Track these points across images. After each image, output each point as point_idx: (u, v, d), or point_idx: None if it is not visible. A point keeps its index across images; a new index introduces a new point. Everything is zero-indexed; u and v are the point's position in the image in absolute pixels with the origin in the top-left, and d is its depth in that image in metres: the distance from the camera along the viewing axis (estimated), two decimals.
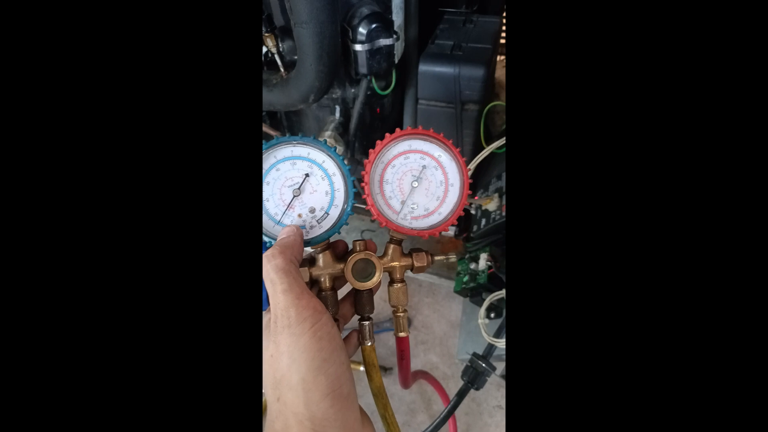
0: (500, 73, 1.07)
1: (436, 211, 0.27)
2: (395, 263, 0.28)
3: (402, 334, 0.30)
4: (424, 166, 0.26)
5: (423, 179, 0.26)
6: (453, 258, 0.30)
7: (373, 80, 0.59)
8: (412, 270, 0.29)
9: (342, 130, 0.65)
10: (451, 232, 0.73)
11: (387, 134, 0.26)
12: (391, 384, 0.63)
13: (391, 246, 0.28)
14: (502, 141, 0.53)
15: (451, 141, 0.26)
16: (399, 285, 0.28)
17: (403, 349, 0.31)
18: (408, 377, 0.37)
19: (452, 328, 0.72)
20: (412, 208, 0.27)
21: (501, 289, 0.49)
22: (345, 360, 0.22)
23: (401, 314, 0.30)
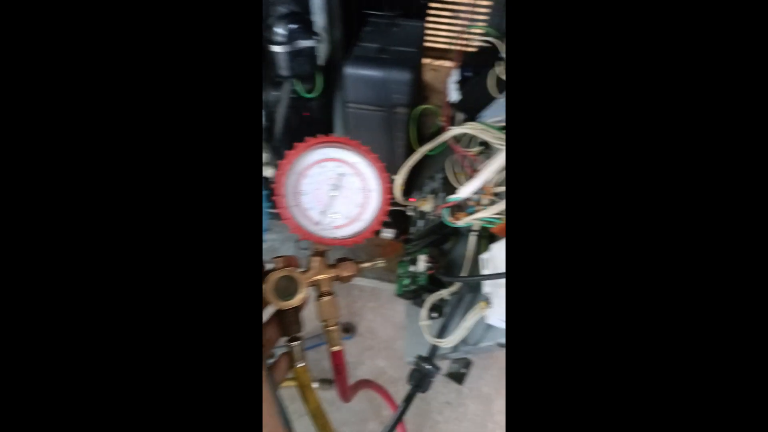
0: (429, 76, 1.10)
1: (358, 218, 0.26)
2: (320, 276, 0.26)
3: (335, 349, 0.28)
4: (341, 174, 0.25)
5: (341, 187, 0.25)
6: (381, 263, 0.29)
7: (297, 83, 0.57)
8: (340, 280, 0.27)
9: (267, 135, 0.62)
10: (390, 234, 0.73)
11: (296, 144, 0.24)
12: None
13: (314, 258, 0.26)
14: (435, 143, 0.53)
15: (367, 147, 0.25)
16: (327, 298, 0.27)
17: (338, 363, 0.30)
18: (347, 391, 0.36)
19: (397, 331, 0.72)
20: (333, 217, 0.25)
21: (441, 290, 0.50)
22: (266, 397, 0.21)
23: (332, 328, 0.28)
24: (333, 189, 0.24)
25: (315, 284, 0.26)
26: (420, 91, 0.90)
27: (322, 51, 0.60)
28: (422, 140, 0.74)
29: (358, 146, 0.25)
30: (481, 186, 0.41)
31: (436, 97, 1.06)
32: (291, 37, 0.51)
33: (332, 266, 0.26)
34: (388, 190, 0.26)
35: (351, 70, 0.58)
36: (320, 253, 0.26)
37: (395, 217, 0.72)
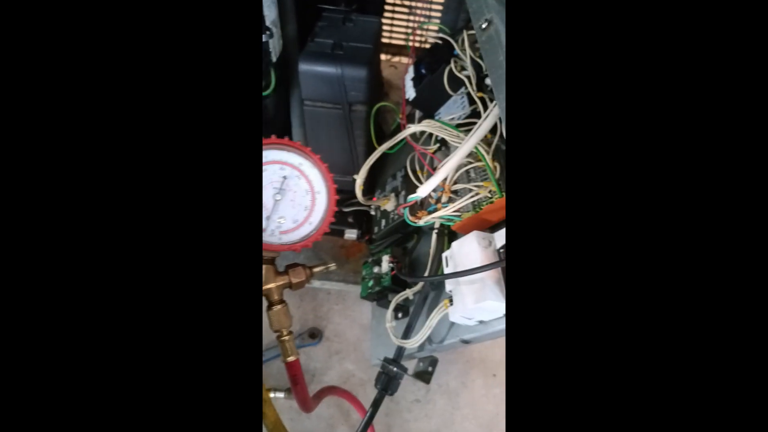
0: (388, 72, 1.09)
1: (306, 221, 0.24)
2: (270, 285, 0.25)
3: (291, 359, 0.27)
4: (285, 177, 0.23)
5: (286, 190, 0.23)
6: (333, 267, 0.28)
7: None
8: (291, 287, 0.26)
9: None
10: (353, 235, 0.71)
11: None
12: None
13: (263, 267, 0.25)
14: (393, 141, 0.53)
15: (309, 148, 0.24)
16: (278, 307, 0.26)
17: (294, 373, 0.29)
18: (307, 401, 0.34)
19: (365, 332, 0.71)
20: (280, 222, 0.24)
21: (405, 290, 0.49)
22: None
23: (286, 338, 0.27)
24: (277, 193, 0.22)
25: (266, 294, 0.24)
26: (379, 87, 0.89)
27: (275, 46, 0.58)
28: (382, 138, 0.74)
29: (300, 147, 0.24)
30: (440, 184, 0.41)
31: (395, 93, 1.06)
32: None
33: (282, 273, 0.25)
34: (335, 190, 0.25)
35: (305, 67, 0.56)
36: (269, 261, 0.24)
37: (358, 217, 0.71)
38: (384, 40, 1.05)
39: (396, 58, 1.14)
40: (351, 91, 0.57)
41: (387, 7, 0.95)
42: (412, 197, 0.41)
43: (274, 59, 0.58)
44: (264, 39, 0.52)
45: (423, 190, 0.40)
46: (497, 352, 0.74)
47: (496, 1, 0.38)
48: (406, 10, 1.02)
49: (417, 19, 1.01)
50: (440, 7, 0.94)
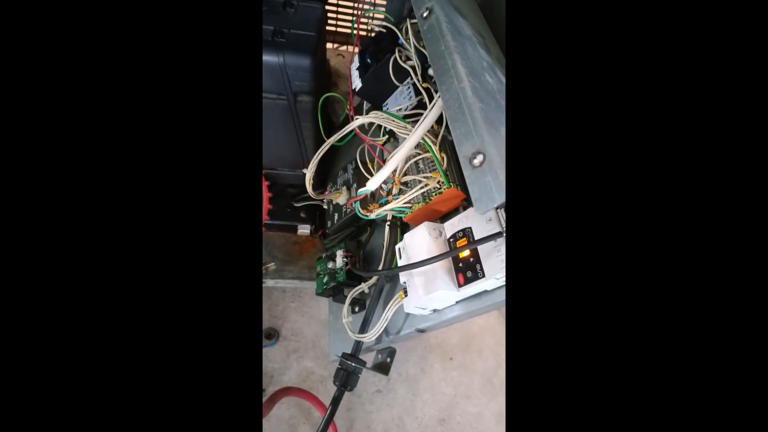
0: (335, 61, 1.07)
1: None
2: None
3: None
4: None
5: None
6: (272, 267, 0.27)
7: None
8: None
9: None
10: (306, 230, 0.70)
11: None
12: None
13: None
14: (342, 133, 0.51)
15: None
16: None
17: None
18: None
19: (323, 328, 0.70)
20: None
21: (360, 284, 0.49)
22: None
23: None
24: None
25: None
26: (326, 77, 0.86)
27: None
28: (332, 129, 0.72)
29: None
30: (390, 176, 0.41)
31: (343, 83, 1.04)
32: None
33: None
34: (267, 187, 0.24)
35: None
36: None
37: (310, 211, 0.70)
38: (330, 29, 1.02)
39: (343, 47, 1.11)
40: (295, 81, 0.55)
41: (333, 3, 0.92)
42: (363, 190, 0.41)
43: None
44: None
45: (372, 183, 0.39)
46: (453, 335, 0.77)
47: None
48: (350, 5, 0.99)
49: (362, 6, 0.99)
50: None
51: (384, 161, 0.49)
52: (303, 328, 0.70)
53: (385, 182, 0.42)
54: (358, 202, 0.44)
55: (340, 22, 1.05)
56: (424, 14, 0.35)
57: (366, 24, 0.81)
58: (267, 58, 0.52)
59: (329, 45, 1.08)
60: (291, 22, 0.58)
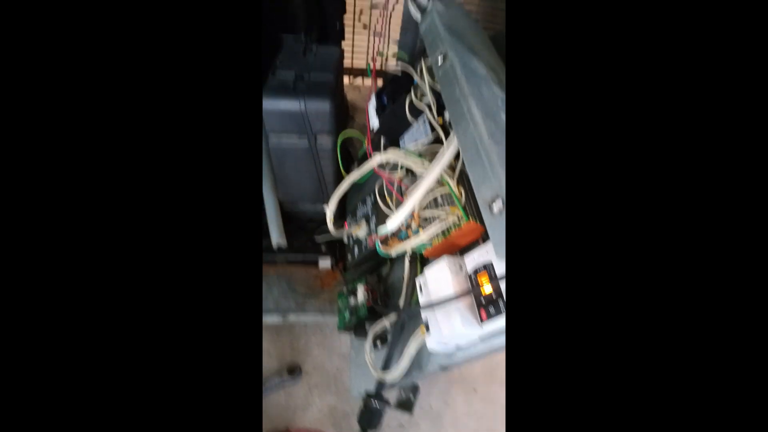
0: (352, 95, 1.11)
1: None
2: None
3: None
4: None
5: None
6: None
7: None
8: None
9: None
10: (327, 264, 0.71)
11: None
12: None
13: None
14: (361, 172, 0.52)
15: None
16: None
17: None
18: None
19: (345, 361, 0.70)
20: None
21: (381, 320, 0.49)
22: None
23: None
24: None
25: None
26: (344, 112, 0.90)
27: None
28: (350, 162, 0.74)
29: None
30: (409, 214, 0.41)
31: (360, 115, 1.07)
32: None
33: None
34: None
35: (269, 103, 0.56)
36: None
37: (331, 245, 0.71)
38: (346, 63, 1.07)
39: (359, 80, 1.16)
40: (315, 123, 0.58)
41: (347, 31, 0.97)
42: (383, 230, 0.42)
43: None
44: None
45: (392, 224, 0.40)
46: (476, 365, 0.75)
47: (448, 35, 0.40)
48: (365, 33, 1.04)
49: (377, 40, 1.03)
50: (398, 30, 0.97)
51: (402, 196, 0.50)
52: (325, 362, 0.69)
53: (404, 220, 0.43)
54: (378, 240, 0.45)
55: (355, 57, 1.09)
56: (440, 61, 0.37)
57: (381, 58, 0.85)
58: (289, 104, 0.55)
59: (346, 79, 1.13)
60: (311, 66, 0.61)
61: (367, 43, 1.07)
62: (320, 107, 0.56)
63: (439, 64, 0.37)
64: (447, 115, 0.40)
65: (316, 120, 0.57)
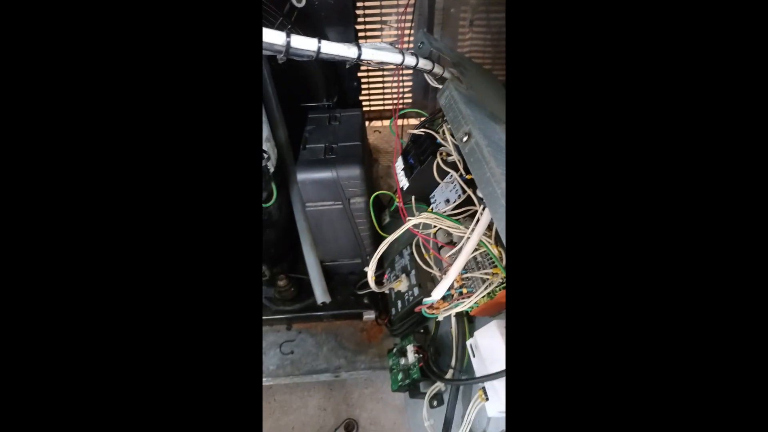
0: (373, 138, 1.15)
1: None
2: None
3: None
4: None
5: None
6: None
7: None
8: None
9: None
10: (372, 316, 0.72)
11: None
12: None
13: None
14: (397, 234, 0.54)
15: None
16: None
17: None
18: None
19: (400, 415, 0.70)
20: None
21: (436, 382, 0.49)
22: None
23: None
24: None
25: None
26: (368, 157, 0.93)
27: (271, 159, 0.62)
28: (382, 210, 0.76)
29: None
30: (452, 282, 0.43)
31: (384, 157, 1.10)
32: None
33: None
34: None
35: (303, 176, 0.59)
36: None
37: (373, 297, 0.72)
38: (364, 108, 1.11)
39: (378, 123, 1.20)
40: (348, 188, 0.61)
41: (363, 81, 1.02)
42: (427, 301, 0.43)
43: (272, 170, 0.61)
44: (262, 164, 0.55)
45: (436, 294, 0.41)
46: None
47: (470, 112, 0.41)
48: (379, 80, 1.08)
49: (391, 86, 1.07)
50: (410, 84, 1.01)
51: (439, 252, 0.51)
52: (380, 416, 0.70)
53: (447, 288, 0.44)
54: (424, 307, 0.46)
55: (372, 101, 1.14)
56: (464, 138, 0.39)
57: (401, 100, 0.87)
58: (322, 175, 0.58)
59: (366, 123, 1.17)
60: (338, 134, 0.65)
61: (382, 83, 1.11)
62: (351, 173, 0.59)
63: (464, 141, 0.38)
64: (480, 193, 0.42)
65: (348, 185, 0.60)
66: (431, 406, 0.51)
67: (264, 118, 0.61)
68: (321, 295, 0.70)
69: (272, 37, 0.29)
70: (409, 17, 0.79)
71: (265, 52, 0.30)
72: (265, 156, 0.55)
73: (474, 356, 0.43)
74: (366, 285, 0.65)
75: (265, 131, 0.61)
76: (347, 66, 0.38)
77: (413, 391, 0.53)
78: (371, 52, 0.37)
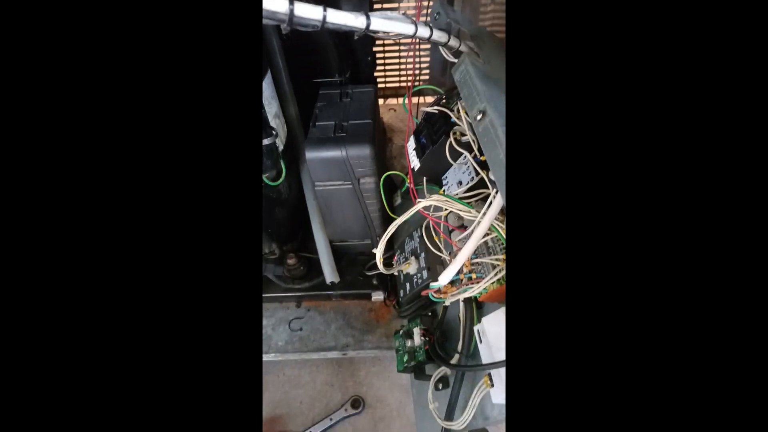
0: (388, 116, 1.12)
1: None
2: None
3: None
4: None
5: None
6: None
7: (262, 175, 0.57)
8: None
9: None
10: (380, 297, 0.72)
11: None
12: None
13: None
14: (407, 215, 0.52)
15: None
16: None
17: None
18: None
19: (406, 394, 0.71)
20: None
21: (441, 365, 0.49)
22: None
23: None
24: None
25: None
26: (381, 135, 0.91)
27: (281, 137, 0.61)
28: (394, 190, 0.75)
29: None
30: (461, 266, 0.41)
31: (397, 136, 1.08)
32: None
33: None
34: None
35: (312, 155, 0.58)
36: None
37: (382, 278, 0.72)
38: (380, 85, 1.08)
39: (393, 100, 1.17)
40: (358, 168, 0.59)
41: (378, 56, 0.98)
42: (434, 285, 0.42)
43: (281, 148, 0.60)
44: (270, 141, 0.54)
45: (444, 278, 0.40)
46: None
47: (486, 88, 0.39)
48: (395, 48, 1.04)
49: (407, 62, 1.03)
50: (428, 59, 0.97)
51: (449, 236, 0.50)
52: (387, 395, 0.71)
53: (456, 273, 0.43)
54: (431, 293, 0.45)
55: (388, 79, 1.10)
56: (478, 116, 0.37)
57: (416, 80, 0.84)
58: (331, 154, 0.57)
59: (381, 101, 1.14)
60: (349, 112, 0.63)
61: (398, 60, 1.07)
62: (361, 152, 0.58)
63: (478, 119, 0.36)
64: (492, 175, 0.40)
65: (357, 165, 0.59)
66: (436, 388, 0.51)
67: (274, 94, 0.60)
68: (330, 274, 0.70)
69: (274, 4, 0.27)
70: None
71: (267, 22, 0.28)
72: (274, 133, 0.54)
73: (481, 342, 0.42)
74: (375, 266, 0.64)
75: (275, 107, 0.60)
76: (356, 38, 0.35)
77: (418, 372, 0.53)
78: (381, 22, 0.35)
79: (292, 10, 0.28)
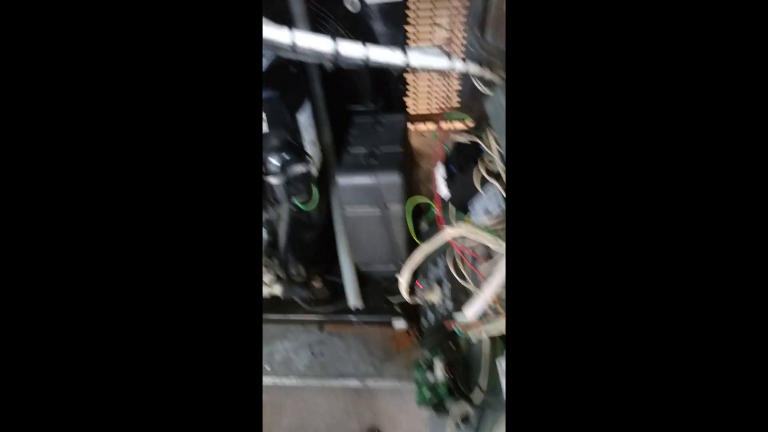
0: (417, 142, 1.13)
1: None
2: None
3: None
4: None
5: None
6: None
7: (295, 199, 0.59)
8: None
9: (271, 248, 0.63)
10: (402, 325, 0.71)
11: None
12: None
13: None
14: (434, 245, 0.52)
15: None
16: None
17: None
18: None
19: (425, 428, 0.68)
20: None
21: (463, 402, 0.47)
22: None
23: None
24: None
25: None
26: (410, 160, 0.92)
27: (315, 163, 0.63)
28: (420, 215, 0.75)
29: None
30: (488, 301, 0.40)
31: (425, 162, 1.08)
32: (284, 168, 0.53)
33: None
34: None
35: (343, 180, 0.60)
36: None
37: (405, 305, 0.71)
38: (410, 111, 1.10)
39: (422, 126, 1.18)
40: (387, 195, 0.60)
41: (409, 83, 1.00)
42: (461, 320, 0.41)
43: (315, 174, 0.62)
44: (306, 168, 0.56)
45: (470, 313, 0.39)
46: None
47: None
48: (427, 82, 1.07)
49: (437, 89, 1.05)
50: (458, 87, 0.98)
51: (475, 266, 0.49)
52: (404, 425, 0.68)
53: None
54: (455, 324, 0.44)
55: (418, 105, 1.12)
56: None
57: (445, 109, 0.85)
58: (362, 181, 0.58)
59: (410, 126, 1.16)
60: (380, 139, 0.65)
61: (429, 85, 1.09)
62: (392, 180, 0.59)
63: None
64: None
65: (387, 192, 0.60)
66: (457, 426, 0.49)
67: (311, 121, 0.62)
68: (354, 299, 0.70)
69: (319, 44, 0.29)
70: (462, 18, 0.77)
71: (312, 60, 0.30)
72: (309, 159, 0.56)
73: (503, 375, 0.41)
74: (398, 292, 0.64)
75: (311, 134, 0.63)
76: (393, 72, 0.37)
77: (439, 408, 0.51)
78: (419, 58, 0.36)
79: (337, 50, 0.30)
